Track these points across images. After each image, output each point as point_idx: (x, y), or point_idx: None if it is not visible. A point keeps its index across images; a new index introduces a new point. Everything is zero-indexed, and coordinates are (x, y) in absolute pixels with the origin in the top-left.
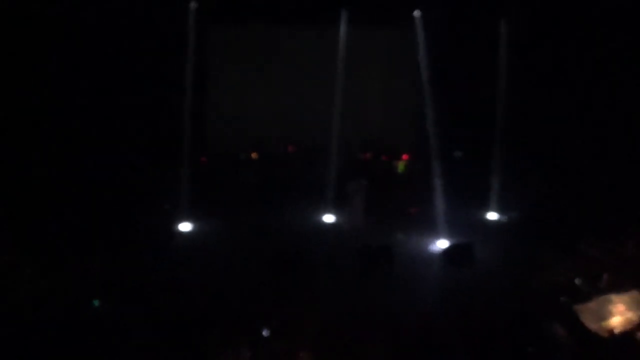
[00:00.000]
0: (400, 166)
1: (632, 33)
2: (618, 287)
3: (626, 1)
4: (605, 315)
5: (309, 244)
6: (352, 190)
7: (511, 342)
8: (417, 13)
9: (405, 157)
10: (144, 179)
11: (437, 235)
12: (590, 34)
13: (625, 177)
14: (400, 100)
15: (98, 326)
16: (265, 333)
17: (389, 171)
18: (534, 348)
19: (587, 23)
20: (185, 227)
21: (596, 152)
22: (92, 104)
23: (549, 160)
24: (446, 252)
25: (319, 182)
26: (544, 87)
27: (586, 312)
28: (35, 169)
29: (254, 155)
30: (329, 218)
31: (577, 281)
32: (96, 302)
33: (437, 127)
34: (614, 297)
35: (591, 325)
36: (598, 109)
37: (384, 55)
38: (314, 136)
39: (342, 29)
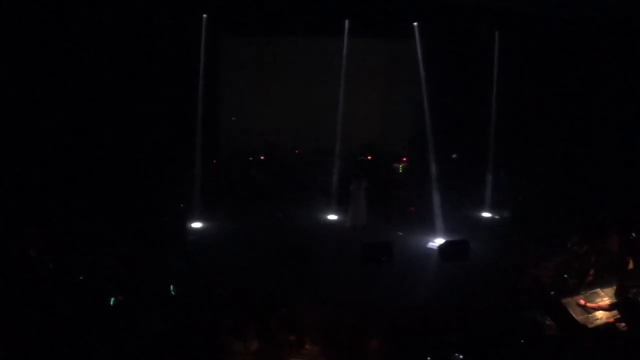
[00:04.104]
0: (400, 168)
1: (618, 44)
2: (603, 281)
3: (613, 13)
4: (591, 308)
5: (315, 240)
6: (353, 190)
7: (502, 333)
8: (415, 24)
9: (404, 159)
10: (161, 179)
11: (434, 233)
12: (579, 44)
13: (609, 179)
14: (399, 106)
15: (113, 317)
16: None
17: (389, 173)
18: (524, 339)
19: (576, 36)
20: (198, 224)
21: (583, 155)
22: (114, 112)
23: (539, 163)
24: (442, 248)
25: (325, 183)
26: (533, 94)
27: (574, 305)
28: (59, 168)
29: (262, 158)
30: (333, 216)
31: (565, 276)
32: (114, 299)
33: (434, 132)
34: (599, 291)
35: (579, 317)
36: (585, 115)
37: (385, 64)
38: (320, 140)
39: (345, 40)
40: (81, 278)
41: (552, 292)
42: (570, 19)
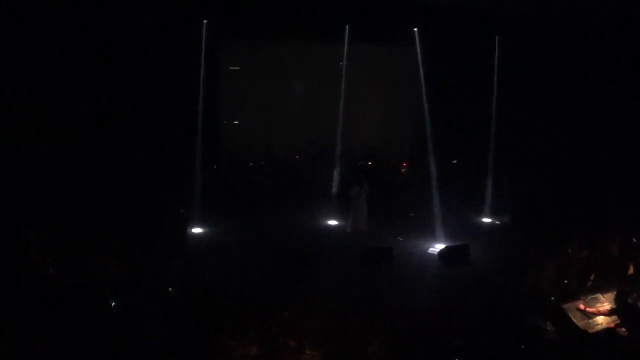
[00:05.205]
0: (401, 173)
1: (616, 50)
2: (604, 286)
3: (610, 18)
4: (592, 313)
5: (315, 245)
6: (355, 194)
7: (503, 339)
8: (415, 30)
9: (404, 164)
10: (161, 184)
11: (434, 237)
12: (578, 49)
13: (609, 184)
14: (400, 111)
15: (113, 320)
16: None
17: (390, 177)
18: (525, 345)
19: (576, 38)
20: (198, 229)
21: (583, 160)
22: (114, 116)
23: (539, 168)
24: (443, 253)
25: (325, 187)
26: (532, 100)
27: (574, 310)
28: (60, 172)
29: (263, 163)
30: (334, 221)
31: (565, 281)
32: (114, 303)
33: (434, 137)
34: (599, 296)
35: (579, 322)
36: (585, 120)
37: (385, 70)
38: (320, 145)
39: (346, 45)
40: (81, 282)
41: (552, 297)
42: (570, 20)
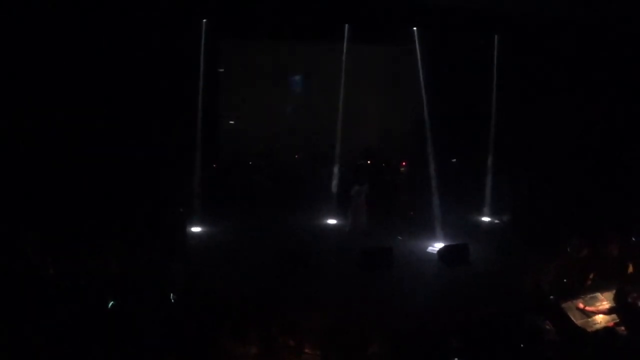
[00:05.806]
0: (400, 172)
1: (617, 49)
2: (603, 285)
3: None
4: (591, 312)
5: (315, 245)
6: (355, 193)
7: (502, 338)
8: (415, 29)
9: (404, 164)
10: (161, 184)
11: (434, 237)
12: (578, 49)
13: (609, 184)
14: (400, 111)
15: (112, 320)
16: None
17: (389, 177)
18: (524, 344)
19: (573, 41)
20: (198, 228)
21: (582, 160)
22: (114, 117)
23: (539, 167)
24: (442, 252)
25: (325, 187)
26: (532, 99)
27: (573, 309)
28: (59, 173)
29: (262, 163)
30: (333, 220)
31: (565, 280)
32: (112, 303)
33: (434, 136)
34: (599, 295)
35: (578, 321)
36: (585, 120)
37: (384, 69)
38: (320, 145)
39: (345, 45)
40: (81, 282)
41: (551, 297)
42: (569, 19)
